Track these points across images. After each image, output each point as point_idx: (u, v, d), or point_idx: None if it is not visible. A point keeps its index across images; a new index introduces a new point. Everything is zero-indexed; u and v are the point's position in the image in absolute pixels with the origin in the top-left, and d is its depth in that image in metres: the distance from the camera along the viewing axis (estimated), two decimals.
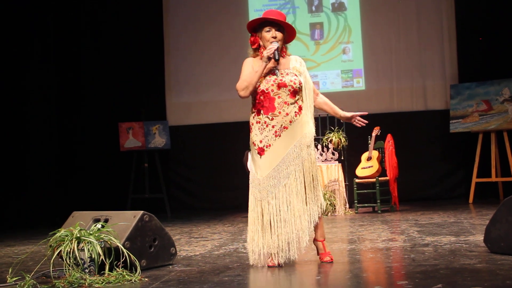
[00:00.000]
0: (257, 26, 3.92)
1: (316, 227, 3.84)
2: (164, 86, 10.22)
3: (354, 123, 4.10)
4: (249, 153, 8.35)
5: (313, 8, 10.00)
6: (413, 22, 9.70)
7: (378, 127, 8.15)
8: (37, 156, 8.99)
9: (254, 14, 10.04)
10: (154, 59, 10.15)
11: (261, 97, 3.82)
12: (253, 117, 3.88)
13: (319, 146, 8.35)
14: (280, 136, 3.78)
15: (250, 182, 3.87)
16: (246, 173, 8.25)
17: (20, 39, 8.84)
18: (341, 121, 3.92)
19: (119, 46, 10.03)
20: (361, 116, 4.13)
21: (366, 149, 8.21)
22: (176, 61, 10.22)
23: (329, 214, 7.78)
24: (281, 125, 3.78)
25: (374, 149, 8.15)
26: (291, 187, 3.74)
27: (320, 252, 3.90)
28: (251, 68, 3.87)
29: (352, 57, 9.84)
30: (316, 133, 8.50)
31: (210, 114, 10.05)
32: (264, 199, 3.76)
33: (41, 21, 9.25)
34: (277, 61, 3.79)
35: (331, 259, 3.83)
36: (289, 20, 10.01)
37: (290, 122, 3.79)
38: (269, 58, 3.78)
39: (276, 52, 3.77)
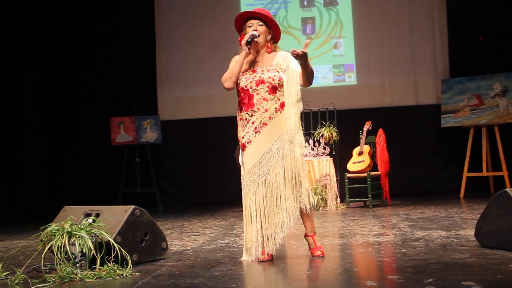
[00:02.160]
0: (242, 26, 3.98)
1: (305, 223, 3.88)
2: (156, 80, 10.20)
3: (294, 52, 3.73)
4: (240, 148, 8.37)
5: (305, 3, 9.98)
6: (405, 17, 9.71)
7: (370, 122, 8.17)
8: (28, 151, 8.94)
9: (246, 9, 9.95)
10: (145, 54, 10.12)
11: (242, 94, 3.87)
12: (238, 114, 3.95)
13: (311, 141, 8.36)
14: (259, 132, 3.81)
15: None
16: (238, 167, 8.26)
17: (12, 33, 8.77)
18: (300, 61, 3.73)
19: (111, 41, 9.99)
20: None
21: (358, 144, 8.22)
22: (167, 56, 10.19)
23: (321, 208, 7.79)
24: (260, 121, 3.80)
25: (366, 143, 8.16)
26: (270, 183, 3.77)
27: (311, 247, 3.91)
28: (234, 62, 3.93)
29: (343, 51, 9.84)
30: (307, 127, 8.55)
31: (201, 108, 10.04)
32: (246, 194, 3.83)
33: (33, 15, 9.18)
34: (249, 43, 3.80)
35: (322, 253, 3.85)
36: (280, 14, 10.11)
37: (270, 118, 3.80)
38: (246, 46, 3.80)
39: (251, 36, 3.80)
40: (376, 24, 9.77)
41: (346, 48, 9.83)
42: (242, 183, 3.86)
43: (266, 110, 3.80)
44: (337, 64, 9.83)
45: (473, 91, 8.86)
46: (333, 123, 8.55)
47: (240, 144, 3.91)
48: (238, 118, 3.93)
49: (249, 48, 3.83)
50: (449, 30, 9.55)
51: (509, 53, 8.95)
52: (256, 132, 3.82)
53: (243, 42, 3.83)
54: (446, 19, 9.57)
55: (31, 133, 9.02)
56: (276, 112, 3.80)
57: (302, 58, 3.70)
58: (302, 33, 9.91)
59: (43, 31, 9.40)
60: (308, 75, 3.82)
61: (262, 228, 3.78)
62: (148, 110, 9.97)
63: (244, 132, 3.86)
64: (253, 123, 3.82)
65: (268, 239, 3.76)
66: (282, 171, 3.77)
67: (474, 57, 9.25)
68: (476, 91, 8.84)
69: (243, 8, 10.01)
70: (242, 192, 3.85)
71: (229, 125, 9.34)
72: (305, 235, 3.93)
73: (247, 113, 3.84)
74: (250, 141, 3.83)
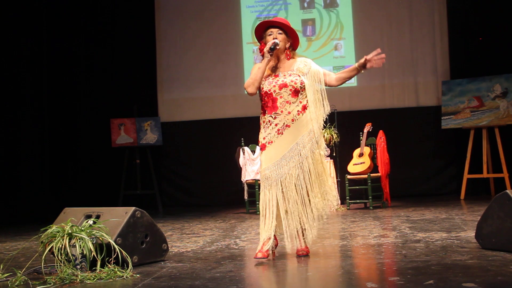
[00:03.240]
0: (262, 34, 4.14)
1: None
2: (156, 82, 10.19)
3: (374, 65, 3.91)
4: (240, 149, 8.37)
5: (305, 5, 9.99)
6: (405, 19, 9.72)
7: (370, 123, 8.16)
8: (29, 152, 8.95)
9: (246, 10, 10.03)
10: (146, 56, 10.12)
11: (265, 98, 4.02)
12: (260, 117, 4.09)
13: None
14: (282, 133, 3.96)
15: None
16: (238, 169, 8.26)
17: (12, 35, 8.78)
18: (362, 71, 3.88)
19: (112, 43, 10.01)
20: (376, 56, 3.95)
21: (358, 145, 8.22)
22: (168, 57, 10.19)
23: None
24: (284, 123, 3.96)
25: (366, 145, 8.15)
26: (290, 182, 3.90)
27: (297, 247, 4.04)
28: (256, 68, 4.06)
29: (344, 53, 9.84)
30: None
31: (202, 110, 10.04)
32: (262, 190, 3.97)
33: (34, 17, 9.19)
34: (272, 50, 3.97)
35: (306, 253, 3.99)
36: (281, 16, 10.08)
37: (293, 120, 3.96)
38: (269, 53, 3.96)
39: (273, 44, 3.96)
40: (376, 26, 9.77)
41: (347, 49, 9.83)
42: (260, 179, 4.02)
43: (289, 113, 3.96)
44: (338, 66, 9.83)
45: (473, 92, 8.87)
46: (334, 124, 8.55)
47: (260, 145, 4.04)
48: (261, 121, 4.08)
49: (271, 55, 3.99)
50: (449, 32, 9.55)
51: (510, 54, 8.95)
52: (279, 134, 3.97)
53: (266, 49, 3.98)
54: (447, 20, 9.57)
55: (31, 135, 9.03)
56: (298, 114, 3.97)
57: (363, 68, 3.93)
58: (302, 34, 9.91)
59: (43, 33, 9.42)
60: (347, 79, 4.10)
61: (273, 226, 3.89)
62: (149, 112, 9.98)
63: (265, 133, 4.01)
64: (276, 125, 3.97)
65: (298, 234, 3.95)
66: (302, 172, 3.91)
67: (474, 59, 9.25)
68: (476, 93, 8.84)
69: (243, 10, 10.03)
70: (261, 187, 3.98)
71: (229, 126, 9.44)
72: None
73: (271, 116, 3.99)
74: (271, 142, 3.98)
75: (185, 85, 10.12)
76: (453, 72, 9.48)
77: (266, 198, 3.92)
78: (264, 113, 4.04)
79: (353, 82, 9.76)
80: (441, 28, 9.59)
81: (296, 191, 3.89)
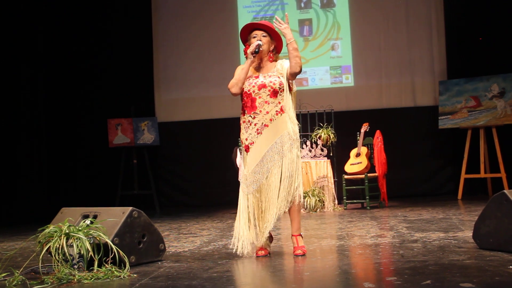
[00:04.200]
0: (247, 36, 4.22)
1: (292, 222, 4.09)
2: (153, 82, 10.19)
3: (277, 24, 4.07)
4: (237, 149, 8.37)
5: (302, 5, 10.00)
6: (402, 19, 9.73)
7: (367, 123, 8.17)
8: (26, 152, 8.94)
9: (243, 10, 10.03)
10: (143, 56, 10.11)
11: (245, 98, 4.11)
12: (241, 117, 4.18)
13: (308, 143, 8.35)
14: (261, 133, 4.05)
15: (240, 178, 4.17)
16: (235, 169, 8.26)
17: (10, 34, 8.77)
18: (287, 40, 4.00)
19: (108, 43, 9.99)
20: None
21: (355, 145, 8.22)
22: (165, 57, 10.19)
23: (318, 210, 7.79)
24: (262, 123, 4.05)
25: (363, 145, 8.16)
26: (271, 182, 4.01)
27: (293, 246, 4.08)
28: (240, 69, 4.15)
29: (341, 53, 9.85)
30: (305, 129, 8.56)
31: (199, 110, 10.03)
32: (250, 193, 4.05)
33: (31, 17, 9.18)
34: (256, 53, 4.06)
35: (303, 252, 4.03)
36: (277, 16, 10.08)
37: (271, 120, 4.04)
38: (253, 54, 4.06)
39: (257, 46, 4.05)
40: (373, 26, 9.78)
41: (343, 49, 9.84)
42: (244, 182, 4.08)
43: (268, 113, 4.05)
44: (334, 66, 9.84)
45: (470, 92, 8.88)
46: (331, 124, 8.55)
47: (243, 146, 4.12)
48: (241, 121, 4.16)
49: (254, 57, 4.08)
50: (446, 32, 9.56)
51: (507, 54, 8.97)
52: (258, 133, 4.06)
53: (249, 51, 4.07)
54: (444, 20, 9.58)
55: (29, 135, 9.03)
56: (277, 114, 4.05)
57: (284, 28, 3.99)
58: (299, 34, 9.92)
59: (41, 33, 9.41)
60: (292, 52, 4.00)
61: (261, 225, 4.01)
62: (146, 112, 9.97)
63: (247, 134, 4.10)
64: (255, 124, 4.06)
65: (259, 233, 4.01)
66: (280, 170, 4.00)
67: (471, 59, 9.26)
68: (473, 93, 8.85)
69: (240, 10, 10.03)
70: (245, 191, 4.06)
71: (226, 126, 9.42)
72: (291, 235, 4.11)
73: (250, 116, 4.08)
74: (253, 142, 4.07)
75: (182, 85, 10.11)
76: (450, 72, 9.50)
77: (255, 202, 4.02)
78: (244, 113, 4.13)
79: (350, 82, 9.76)
80: (438, 28, 9.60)
81: (274, 191, 3.99)
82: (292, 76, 4.07)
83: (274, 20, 4.06)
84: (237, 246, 4.04)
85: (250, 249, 4.03)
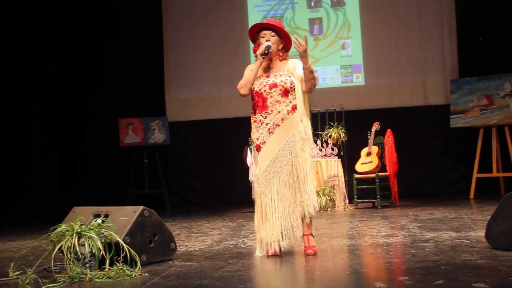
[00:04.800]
0: (256, 36, 4.23)
1: (302, 221, 4.07)
2: (164, 82, 10.20)
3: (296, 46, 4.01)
4: (248, 148, 8.37)
5: (312, 4, 9.97)
6: (413, 17, 9.68)
7: (378, 122, 8.14)
8: (38, 152, 8.99)
9: (253, 9, 10.02)
10: (153, 55, 10.13)
11: (256, 98, 4.12)
12: (252, 117, 4.19)
13: (319, 142, 8.33)
14: (273, 133, 4.06)
15: (251, 177, 4.17)
16: (246, 168, 8.26)
17: (22, 34, 8.82)
18: (304, 63, 3.98)
19: (119, 42, 10.02)
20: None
21: (366, 145, 8.19)
22: (175, 57, 10.20)
23: (329, 209, 7.77)
24: (274, 123, 4.06)
25: (374, 144, 8.13)
26: (284, 180, 4.02)
27: (304, 245, 4.09)
28: (249, 70, 4.16)
29: (351, 52, 9.82)
30: (315, 128, 8.53)
31: (209, 110, 10.04)
32: (262, 193, 4.07)
33: (43, 17, 9.24)
34: (266, 54, 4.06)
35: (314, 252, 4.02)
36: (288, 15, 10.11)
37: (282, 119, 4.05)
38: (262, 55, 4.05)
39: (266, 48, 4.05)
40: (384, 24, 9.74)
41: (354, 48, 9.81)
42: (256, 182, 4.11)
43: (279, 112, 4.05)
44: (345, 65, 9.81)
45: (482, 91, 8.82)
46: (341, 123, 8.53)
47: (254, 145, 4.14)
48: (252, 120, 4.18)
49: (263, 58, 4.08)
50: (458, 29, 9.50)
51: None
52: (269, 133, 4.06)
53: (259, 52, 4.07)
54: (455, 18, 9.51)
55: (40, 134, 9.09)
56: (288, 114, 4.06)
57: (303, 51, 3.93)
58: (309, 33, 9.90)
59: (52, 33, 9.46)
60: (308, 75, 3.98)
61: (276, 225, 4.00)
62: (156, 111, 9.98)
63: (258, 134, 4.11)
64: (266, 124, 4.07)
65: (284, 235, 4.01)
66: (294, 169, 4.02)
67: (483, 57, 9.19)
68: (485, 91, 8.79)
69: (250, 9, 10.03)
70: (257, 190, 4.09)
71: (236, 126, 9.42)
72: (303, 234, 4.11)
73: (261, 115, 4.09)
74: (264, 142, 4.08)
75: (192, 84, 10.12)
76: (462, 70, 9.44)
77: (267, 202, 4.03)
78: (254, 113, 4.14)
79: (360, 81, 9.73)
80: (449, 25, 9.54)
81: (288, 190, 4.01)
82: (306, 93, 4.09)
83: (293, 40, 4.01)
84: (256, 246, 4.12)
85: (267, 248, 4.04)
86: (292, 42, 4.07)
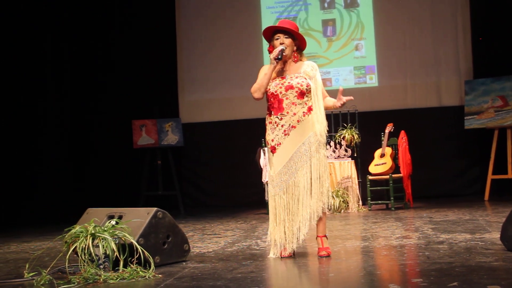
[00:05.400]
0: (271, 36, 4.21)
1: (318, 223, 4.07)
2: (177, 83, 10.23)
3: (340, 103, 4.11)
4: (261, 150, 8.36)
5: (326, 5, 9.96)
6: (427, 17, 9.63)
7: (391, 124, 8.10)
8: (52, 153, 9.06)
9: (266, 11, 10.03)
10: (166, 57, 10.17)
11: (272, 99, 4.13)
12: (267, 118, 4.19)
13: (332, 143, 8.32)
14: (288, 134, 4.07)
15: (264, 179, 4.17)
16: (259, 170, 8.26)
17: (36, 37, 8.90)
18: (338, 107, 4.07)
19: (132, 44, 10.07)
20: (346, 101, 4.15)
21: (379, 146, 8.16)
22: (188, 58, 10.23)
23: (342, 211, 7.75)
24: (289, 124, 4.07)
25: (388, 145, 8.10)
26: (299, 182, 4.02)
27: (318, 247, 4.09)
28: (263, 73, 4.16)
29: (365, 53, 9.79)
30: (329, 130, 8.52)
31: (223, 111, 10.05)
32: (277, 194, 4.08)
33: (56, 19, 9.31)
34: (279, 59, 4.05)
35: (328, 253, 4.02)
36: (301, 17, 10.10)
37: (298, 121, 4.07)
38: (275, 59, 4.05)
39: (280, 52, 4.04)
40: (397, 25, 9.70)
41: (367, 49, 9.78)
42: (270, 184, 4.12)
43: (295, 114, 4.06)
44: (358, 66, 9.78)
45: (497, 92, 8.75)
46: (355, 125, 8.51)
47: (269, 147, 4.14)
48: (267, 122, 4.18)
49: (277, 62, 4.08)
50: (472, 30, 9.43)
51: None
52: (285, 135, 4.07)
53: (272, 56, 4.06)
54: (470, 18, 9.45)
55: (54, 136, 9.15)
56: (304, 115, 4.07)
57: (341, 105, 4.09)
58: (322, 35, 9.89)
59: (66, 35, 9.53)
60: (331, 108, 4.22)
61: (288, 226, 4.03)
62: (169, 113, 10.01)
63: (273, 135, 4.11)
64: (282, 126, 4.08)
65: (298, 236, 4.01)
66: (309, 171, 4.02)
67: (498, 58, 9.12)
68: (500, 92, 8.72)
69: (264, 11, 10.03)
70: (271, 192, 4.10)
71: (250, 127, 9.42)
72: (316, 236, 4.11)
73: (277, 117, 4.09)
74: (280, 143, 4.09)
75: (205, 86, 10.14)
76: (476, 71, 9.37)
77: (281, 204, 4.04)
78: (270, 114, 4.15)
79: (374, 82, 9.70)
80: (463, 26, 9.48)
81: (303, 191, 4.01)
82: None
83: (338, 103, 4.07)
84: (269, 248, 4.13)
85: (280, 250, 4.05)
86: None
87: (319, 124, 4.07)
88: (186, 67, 10.24)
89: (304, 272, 3.58)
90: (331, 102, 4.17)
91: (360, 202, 8.11)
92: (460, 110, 9.19)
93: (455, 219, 6.00)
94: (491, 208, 7.14)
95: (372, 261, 3.82)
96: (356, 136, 8.28)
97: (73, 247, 3.59)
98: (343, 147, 8.28)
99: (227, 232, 5.93)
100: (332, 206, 7.68)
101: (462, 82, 9.32)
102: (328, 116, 8.60)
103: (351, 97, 4.17)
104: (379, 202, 8.15)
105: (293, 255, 4.06)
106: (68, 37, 9.60)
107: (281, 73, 4.16)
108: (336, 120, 8.71)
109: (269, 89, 4.11)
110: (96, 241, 3.56)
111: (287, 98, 4.06)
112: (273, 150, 4.11)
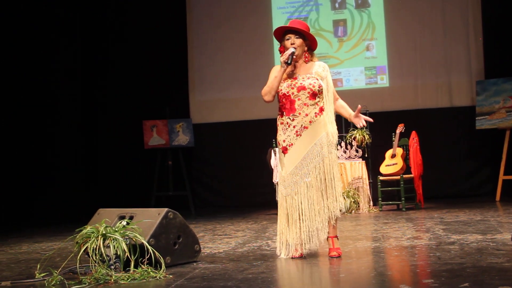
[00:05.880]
0: (282, 37, 4.20)
1: (329, 224, 4.06)
2: (188, 84, 10.25)
3: (357, 122, 4.27)
4: (272, 150, 8.37)
5: (336, 5, 9.94)
6: (438, 17, 9.59)
7: (403, 124, 8.08)
8: (63, 154, 9.12)
9: (277, 11, 10.02)
10: (177, 57, 10.19)
11: (283, 100, 4.13)
12: (278, 119, 4.20)
13: (343, 144, 8.30)
14: (301, 135, 4.07)
15: (278, 179, 4.21)
16: (270, 170, 8.26)
17: (47, 37, 8.96)
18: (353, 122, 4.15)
19: (143, 44, 10.10)
20: (365, 120, 4.33)
21: (390, 147, 8.14)
22: (199, 59, 10.25)
23: (353, 211, 7.74)
24: (301, 125, 4.07)
25: (399, 146, 8.08)
26: (311, 183, 4.02)
27: (329, 247, 4.09)
28: (273, 75, 4.15)
29: (375, 53, 9.76)
30: (339, 130, 8.46)
31: (233, 112, 10.06)
32: (289, 195, 4.07)
33: (68, 19, 9.37)
34: (289, 64, 4.04)
35: (338, 254, 4.02)
36: (312, 17, 10.09)
37: (310, 122, 4.06)
38: (285, 63, 4.04)
39: (290, 56, 4.04)
40: (408, 26, 9.67)
41: (378, 50, 9.75)
42: (282, 184, 4.12)
43: (307, 115, 4.06)
44: (369, 66, 9.76)
45: (509, 92, 8.69)
46: (366, 125, 8.47)
47: (280, 147, 4.14)
48: (278, 122, 4.18)
49: (288, 65, 4.07)
50: (483, 30, 9.38)
51: None
52: (297, 135, 4.07)
53: (282, 60, 4.06)
54: (481, 18, 9.40)
55: (65, 137, 9.21)
56: (316, 116, 4.07)
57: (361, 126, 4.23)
58: (333, 35, 9.87)
59: (77, 36, 9.59)
60: (342, 115, 4.36)
61: (302, 227, 4.01)
62: (180, 113, 10.03)
63: (285, 136, 4.11)
64: (294, 127, 4.07)
65: (310, 237, 4.01)
66: (322, 172, 4.03)
67: (510, 58, 9.06)
68: None
69: (274, 11, 10.03)
70: (283, 192, 4.10)
71: (261, 128, 9.43)
72: (327, 236, 4.10)
73: (289, 118, 4.09)
74: (292, 144, 4.08)
75: (216, 86, 10.16)
76: (487, 71, 9.31)
77: (293, 204, 4.04)
78: (282, 115, 4.14)
79: (385, 82, 9.67)
80: (475, 26, 9.42)
81: (315, 192, 4.01)
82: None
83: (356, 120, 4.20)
84: (279, 248, 4.11)
85: (291, 251, 4.05)
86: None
87: (331, 124, 4.08)
88: (197, 67, 10.25)
89: (315, 273, 3.58)
90: (346, 112, 4.27)
91: (371, 203, 8.08)
92: (471, 110, 9.14)
93: (466, 220, 5.97)
94: (502, 209, 7.10)
95: (383, 262, 3.81)
96: (367, 137, 8.26)
97: (84, 247, 3.61)
98: (354, 148, 8.27)
99: (238, 233, 5.94)
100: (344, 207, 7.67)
101: (473, 83, 9.27)
102: (339, 117, 8.60)
103: (371, 119, 4.31)
104: (390, 202, 8.12)
105: (304, 256, 4.05)
106: (79, 37, 9.65)
107: (292, 74, 4.15)
108: (346, 121, 8.66)
109: (281, 89, 4.11)
110: (107, 242, 3.58)
111: (299, 99, 4.06)
112: (284, 150, 4.11)
